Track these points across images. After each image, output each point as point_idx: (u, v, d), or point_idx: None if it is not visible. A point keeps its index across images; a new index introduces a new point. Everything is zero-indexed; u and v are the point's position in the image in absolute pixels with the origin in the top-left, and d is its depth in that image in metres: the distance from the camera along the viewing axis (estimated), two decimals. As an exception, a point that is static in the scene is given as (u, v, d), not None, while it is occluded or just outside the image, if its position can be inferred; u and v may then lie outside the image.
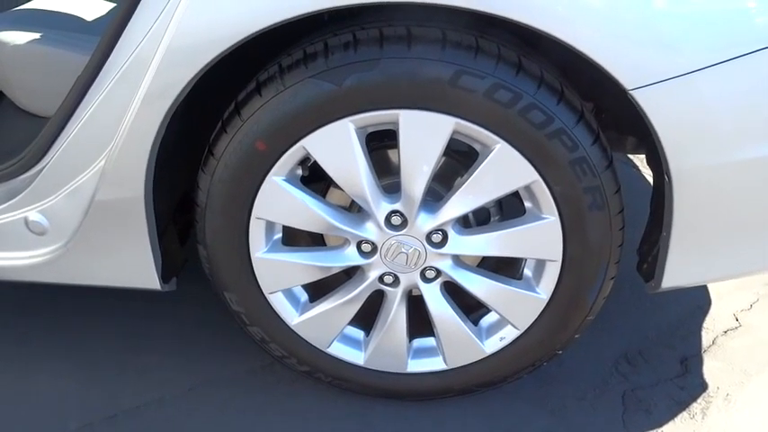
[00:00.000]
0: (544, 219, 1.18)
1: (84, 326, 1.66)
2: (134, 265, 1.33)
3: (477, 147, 1.17)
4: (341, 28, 1.13)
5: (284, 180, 1.20)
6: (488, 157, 1.14)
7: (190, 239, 1.44)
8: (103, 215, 1.28)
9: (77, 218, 1.30)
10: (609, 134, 1.33)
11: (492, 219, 1.35)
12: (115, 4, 1.84)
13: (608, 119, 1.42)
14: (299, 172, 1.23)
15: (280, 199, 1.22)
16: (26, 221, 1.34)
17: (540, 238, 1.21)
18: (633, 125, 1.39)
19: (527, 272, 1.29)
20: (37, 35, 1.42)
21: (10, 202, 1.34)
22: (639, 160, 2.35)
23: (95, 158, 1.24)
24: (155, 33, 1.11)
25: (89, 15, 1.66)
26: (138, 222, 1.27)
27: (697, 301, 1.76)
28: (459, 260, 1.29)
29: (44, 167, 1.29)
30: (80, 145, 1.24)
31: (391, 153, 1.32)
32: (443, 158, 1.25)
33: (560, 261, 1.22)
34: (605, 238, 1.19)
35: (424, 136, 1.13)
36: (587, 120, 1.12)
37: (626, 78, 1.02)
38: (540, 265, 1.25)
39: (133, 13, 1.14)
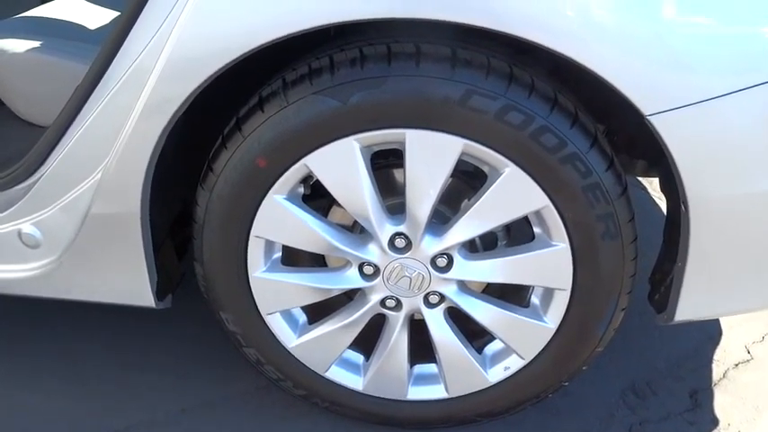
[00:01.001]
0: (554, 246, 1.14)
1: (75, 341, 1.62)
2: (128, 281, 1.29)
3: (485, 169, 1.13)
4: (348, 43, 1.09)
5: (285, 198, 1.16)
6: (497, 181, 1.10)
7: (187, 254, 1.40)
8: (98, 230, 1.24)
9: (71, 231, 1.26)
10: (619, 157, 1.29)
11: (499, 243, 1.30)
12: (119, 14, 1.81)
13: (620, 142, 1.38)
14: (301, 190, 1.19)
15: (280, 218, 1.18)
16: (19, 234, 1.30)
17: (549, 266, 1.16)
18: (646, 149, 1.35)
19: (534, 300, 1.24)
20: (36, 43, 1.39)
21: (3, 214, 1.30)
22: (648, 182, 2.31)
23: (91, 171, 1.20)
24: (155, 45, 1.07)
25: (92, 24, 1.63)
26: (133, 238, 1.23)
27: (707, 331, 1.70)
28: (464, 285, 1.24)
29: (39, 179, 1.26)
30: (76, 157, 1.20)
31: (397, 172, 1.28)
32: (450, 179, 1.21)
33: (570, 290, 1.17)
34: (617, 268, 1.15)
35: (430, 157, 1.09)
36: (601, 144, 1.08)
37: (643, 103, 0.98)
38: (549, 293, 1.21)
39: (134, 23, 1.10)
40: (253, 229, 1.19)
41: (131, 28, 1.10)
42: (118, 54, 1.12)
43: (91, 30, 1.63)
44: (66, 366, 1.55)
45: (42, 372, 1.53)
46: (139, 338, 1.63)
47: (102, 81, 1.15)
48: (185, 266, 1.43)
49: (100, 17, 1.70)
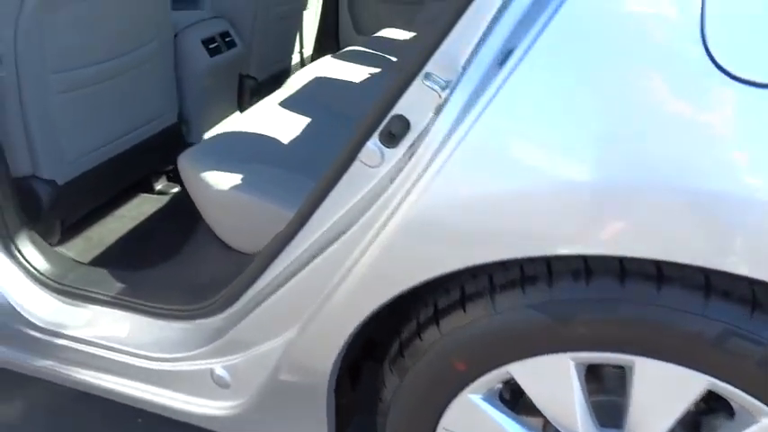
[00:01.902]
0: None
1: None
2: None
3: (734, 405, 0.92)
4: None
5: (481, 398, 1.04)
6: (752, 428, 0.88)
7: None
8: (282, 388, 1.21)
9: (258, 382, 1.25)
10: None
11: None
12: (310, 120, 1.78)
13: None
14: (499, 386, 1.06)
15: (472, 416, 1.06)
16: (212, 373, 1.33)
17: None
18: None
19: None
20: (237, 179, 1.40)
21: (201, 350, 1.33)
22: None
23: (283, 330, 1.18)
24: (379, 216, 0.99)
25: (286, 137, 1.61)
26: (317, 404, 1.19)
27: None
28: None
29: (235, 324, 1.26)
30: (271, 312, 1.19)
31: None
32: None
33: None
34: None
35: (665, 391, 0.90)
36: None
37: None
38: None
39: (331, 191, 1.05)
40: (441, 421, 1.09)
41: (326, 196, 1.05)
42: (318, 217, 1.07)
43: (285, 145, 1.62)
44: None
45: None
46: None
47: (301, 238, 1.10)
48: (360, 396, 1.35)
49: (294, 127, 1.69)
